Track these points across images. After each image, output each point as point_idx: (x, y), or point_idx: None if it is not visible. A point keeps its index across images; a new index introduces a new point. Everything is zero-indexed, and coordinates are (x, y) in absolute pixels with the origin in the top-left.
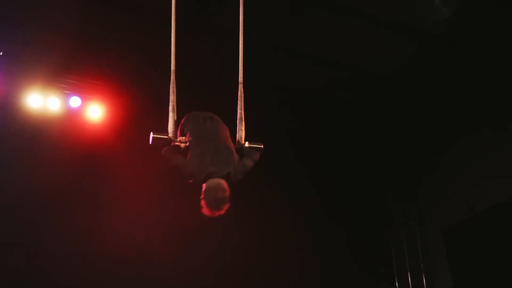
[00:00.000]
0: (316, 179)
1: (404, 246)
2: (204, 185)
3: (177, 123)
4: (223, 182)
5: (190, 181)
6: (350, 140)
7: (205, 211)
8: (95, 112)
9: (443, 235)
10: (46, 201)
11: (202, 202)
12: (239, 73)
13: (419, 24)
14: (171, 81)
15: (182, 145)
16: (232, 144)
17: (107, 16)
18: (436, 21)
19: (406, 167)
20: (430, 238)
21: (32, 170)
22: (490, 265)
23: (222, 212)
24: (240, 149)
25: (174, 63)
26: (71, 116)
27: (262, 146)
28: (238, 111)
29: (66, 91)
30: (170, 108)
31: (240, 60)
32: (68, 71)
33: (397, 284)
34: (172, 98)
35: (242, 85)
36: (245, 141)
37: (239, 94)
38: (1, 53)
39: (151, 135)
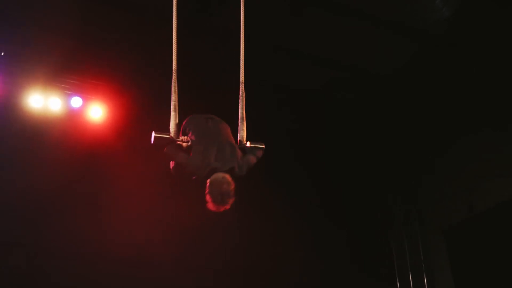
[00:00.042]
0: (316, 179)
1: (405, 246)
2: (208, 180)
3: (179, 122)
4: (227, 176)
5: (194, 177)
6: (350, 140)
7: (211, 206)
8: (96, 112)
9: (444, 235)
10: (47, 201)
11: (207, 197)
12: (241, 73)
13: (419, 24)
14: (173, 80)
15: (184, 144)
16: (234, 141)
17: (107, 16)
18: (436, 21)
19: (406, 167)
20: (431, 238)
21: (33, 170)
22: (491, 265)
23: (227, 206)
24: (242, 148)
25: (175, 62)
26: (72, 116)
27: (263, 146)
28: (240, 111)
29: (67, 91)
30: (172, 107)
31: (241, 60)
32: (69, 72)
33: (398, 284)
34: (174, 97)
35: (243, 84)
36: (246, 141)
37: (240, 94)
38: (2, 54)
39: (153, 134)
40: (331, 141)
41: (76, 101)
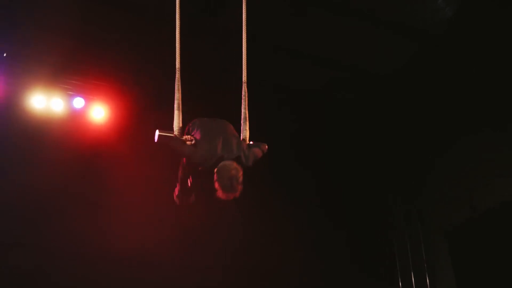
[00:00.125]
0: (316, 179)
1: (408, 247)
2: (216, 169)
3: (182, 121)
4: (235, 163)
5: (200, 168)
6: (350, 140)
7: (220, 194)
8: (98, 112)
9: (446, 235)
10: (48, 202)
11: (216, 185)
12: (243, 73)
13: (419, 24)
14: (176, 78)
15: (188, 142)
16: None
17: (107, 16)
18: (439, 21)
19: (406, 167)
20: (433, 238)
21: (35, 170)
22: (493, 265)
23: (236, 194)
24: (247, 145)
25: (179, 61)
26: (75, 117)
27: (266, 147)
28: (242, 110)
29: (70, 92)
30: (176, 106)
31: (243, 60)
32: (71, 72)
33: (400, 284)
34: (177, 95)
35: (245, 84)
36: (249, 141)
37: (242, 93)
38: (4, 54)
39: (157, 132)
40: (331, 141)
41: (78, 102)
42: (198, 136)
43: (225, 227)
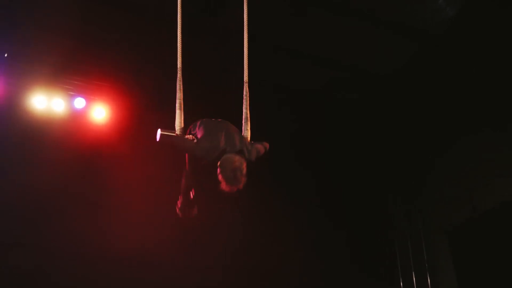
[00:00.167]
0: (316, 179)
1: (409, 246)
2: (219, 162)
3: (184, 121)
4: (238, 155)
5: (202, 162)
6: (350, 140)
7: (224, 186)
8: (99, 113)
9: (447, 235)
10: (48, 202)
11: (220, 177)
12: (244, 73)
13: (419, 24)
14: (178, 78)
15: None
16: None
17: (107, 16)
18: (439, 21)
19: (407, 167)
20: (434, 238)
21: (35, 170)
22: (495, 264)
23: (240, 186)
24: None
25: (180, 61)
26: (76, 117)
27: (268, 145)
28: (244, 110)
29: (71, 92)
30: (177, 105)
31: (245, 60)
32: (72, 72)
33: (401, 284)
34: (179, 95)
35: (247, 84)
36: (250, 141)
37: (244, 93)
38: (6, 55)
39: (159, 131)
40: (331, 141)
41: (80, 102)
42: (200, 133)
43: (225, 227)
